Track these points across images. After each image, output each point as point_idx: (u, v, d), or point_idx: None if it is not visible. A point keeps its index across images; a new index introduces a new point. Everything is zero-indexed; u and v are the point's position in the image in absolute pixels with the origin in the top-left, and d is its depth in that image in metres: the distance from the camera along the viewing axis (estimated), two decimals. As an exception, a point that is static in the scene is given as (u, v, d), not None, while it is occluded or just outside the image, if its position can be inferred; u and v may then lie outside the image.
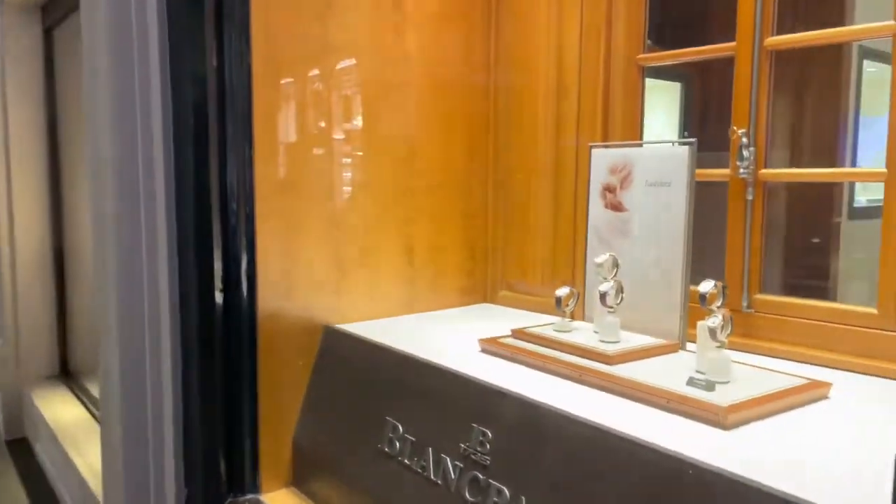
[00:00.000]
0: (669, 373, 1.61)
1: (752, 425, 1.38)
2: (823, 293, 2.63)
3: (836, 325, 1.80)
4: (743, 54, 1.94)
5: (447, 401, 1.73)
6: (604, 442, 1.34)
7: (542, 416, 1.48)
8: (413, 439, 1.74)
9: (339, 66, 2.22)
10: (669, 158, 1.86)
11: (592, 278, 2.05)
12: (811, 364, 1.79)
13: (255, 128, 2.08)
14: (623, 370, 1.64)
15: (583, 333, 1.89)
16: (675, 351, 1.80)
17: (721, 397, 1.43)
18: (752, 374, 1.60)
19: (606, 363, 1.68)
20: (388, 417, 1.84)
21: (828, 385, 1.54)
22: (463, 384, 1.70)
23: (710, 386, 1.48)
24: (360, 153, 2.30)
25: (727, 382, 1.52)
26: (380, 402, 1.91)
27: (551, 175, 2.42)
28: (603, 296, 1.79)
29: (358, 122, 2.29)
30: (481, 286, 2.68)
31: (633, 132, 2.23)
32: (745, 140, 1.92)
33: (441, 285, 2.55)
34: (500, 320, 2.37)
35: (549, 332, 1.91)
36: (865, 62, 2.76)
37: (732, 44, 1.97)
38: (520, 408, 1.54)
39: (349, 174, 2.28)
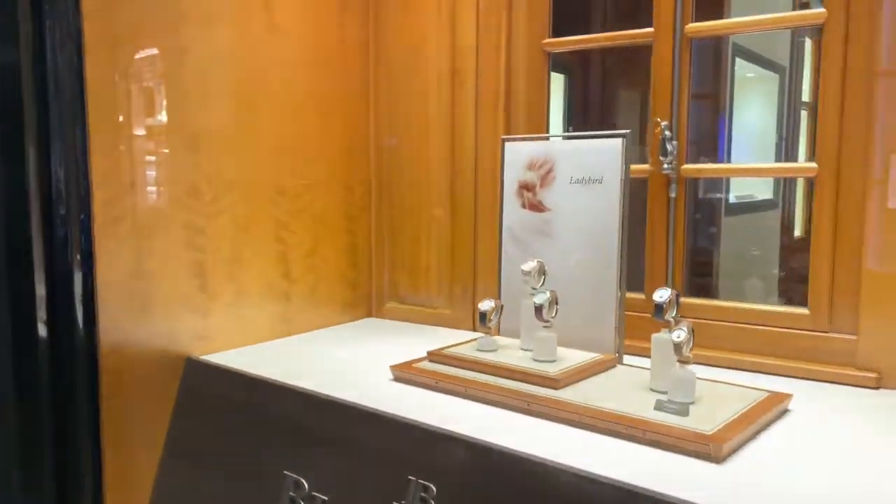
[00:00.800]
0: (624, 395, 1.42)
1: (742, 454, 1.21)
2: (729, 293, 2.62)
3: (767, 328, 1.72)
4: (662, 41, 1.81)
5: (368, 448, 1.40)
6: (591, 491, 1.10)
7: (501, 463, 1.21)
8: (325, 499, 1.40)
9: (194, 39, 1.80)
10: (600, 152, 1.67)
11: (511, 287, 1.82)
12: (744, 370, 1.69)
13: (90, 113, 1.61)
14: (572, 394, 1.42)
15: (511, 352, 1.65)
16: (613, 366, 1.62)
17: (700, 423, 1.25)
18: (709, 389, 1.45)
19: (552, 387, 1.45)
20: (286, 472, 1.48)
21: (788, 396, 1.43)
22: (389, 426, 1.39)
23: (682, 410, 1.30)
24: (225, 144, 1.89)
25: (693, 403, 1.35)
26: (272, 452, 1.54)
27: (446, 170, 2.16)
28: (539, 309, 1.56)
29: (221, 106, 1.88)
30: (366, 298, 2.36)
31: (539, 123, 2.03)
32: (667, 133, 1.78)
33: (321, 300, 2.20)
34: (398, 338, 2.07)
35: (472, 353, 1.65)
36: (738, 60, 2.80)
37: (650, 30, 1.83)
38: (469, 454, 1.26)
39: (212, 170, 1.86)
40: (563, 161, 1.73)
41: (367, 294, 2.36)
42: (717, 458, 1.17)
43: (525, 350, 1.66)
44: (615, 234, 1.64)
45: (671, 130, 1.78)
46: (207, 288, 1.86)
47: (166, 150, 1.77)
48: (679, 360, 1.36)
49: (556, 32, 2.02)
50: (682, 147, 1.80)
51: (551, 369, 1.51)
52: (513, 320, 1.74)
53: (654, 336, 1.45)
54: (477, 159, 2.10)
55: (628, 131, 1.63)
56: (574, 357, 1.59)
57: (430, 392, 1.55)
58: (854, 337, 1.61)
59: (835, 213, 1.63)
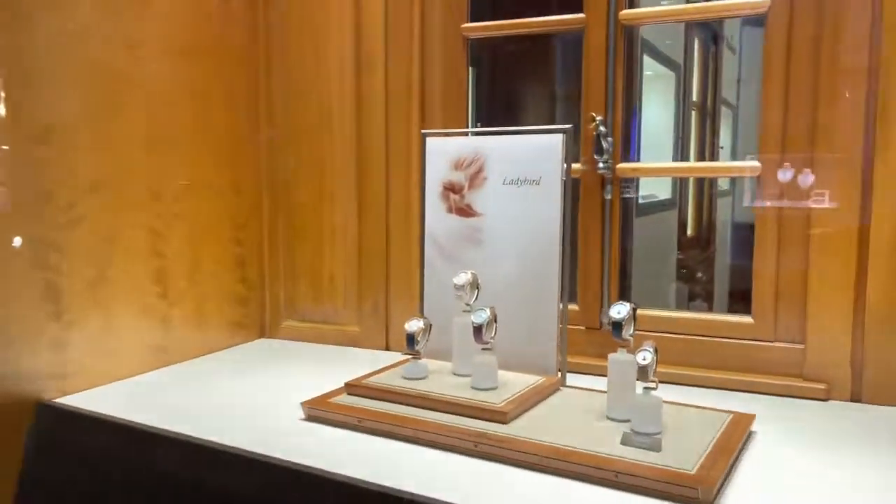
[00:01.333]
0: (581, 426, 1.24)
1: (726, 494, 1.06)
2: (652, 299, 2.52)
3: (710, 339, 1.61)
4: (595, 28, 1.65)
5: (284, 512, 1.14)
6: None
7: (459, 528, 0.99)
8: (230, 580, 1.12)
9: (43, 7, 1.45)
10: (537, 150, 1.49)
11: (436, 303, 1.60)
12: (688, 385, 1.57)
13: None
14: (524, 429, 1.23)
15: (443, 379, 1.44)
16: (557, 389, 1.44)
17: (678, 460, 1.09)
18: (667, 413, 1.29)
19: (500, 421, 1.25)
20: (177, 547, 1.18)
21: (751, 417, 1.30)
22: (305, 482, 1.13)
23: (654, 444, 1.14)
24: (84, 138, 1.54)
25: (660, 433, 1.19)
26: (157, 520, 1.24)
27: (351, 170, 1.91)
28: (478, 329, 1.35)
29: (79, 93, 1.53)
30: (258, 317, 2.05)
31: (458, 117, 1.82)
32: (602, 129, 1.63)
33: (207, 321, 1.88)
34: (302, 363, 1.79)
35: (399, 383, 1.41)
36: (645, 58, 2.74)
37: (581, 16, 1.67)
38: (416, 516, 1.03)
39: (67, 169, 1.51)
40: (495, 159, 1.53)
41: (260, 312, 2.06)
42: (707, 503, 1.01)
43: (459, 375, 1.45)
44: (555, 241, 1.47)
45: (606, 126, 1.63)
46: (63, 315, 1.50)
47: (5, 147, 1.40)
48: (644, 386, 1.20)
49: (475, 17, 1.82)
50: (618, 144, 1.65)
51: (495, 399, 1.30)
52: (439, 341, 1.52)
53: (612, 357, 1.28)
54: (388, 157, 1.86)
55: (570, 126, 1.46)
56: (516, 382, 1.39)
57: (354, 434, 1.31)
58: (801, 346, 1.53)
59: (779, 216, 1.54)
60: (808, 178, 1.48)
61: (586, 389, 1.44)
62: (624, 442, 1.15)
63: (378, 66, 1.85)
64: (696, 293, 2.23)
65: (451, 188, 1.58)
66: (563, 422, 1.26)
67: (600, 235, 1.68)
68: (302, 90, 1.95)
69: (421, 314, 1.64)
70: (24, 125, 1.42)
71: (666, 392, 1.44)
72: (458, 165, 1.57)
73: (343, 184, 1.92)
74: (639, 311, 1.67)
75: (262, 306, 2.05)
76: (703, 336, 1.61)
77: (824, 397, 1.49)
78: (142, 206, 1.67)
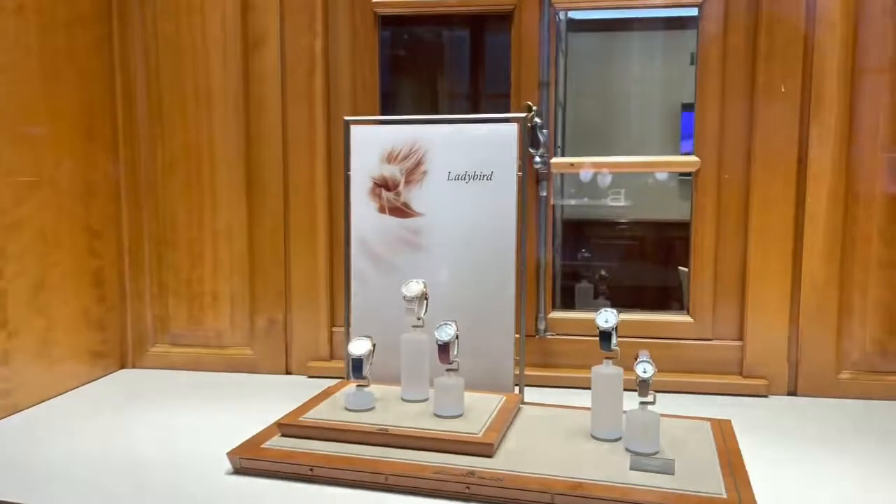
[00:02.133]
0: (572, 450, 1.10)
1: (757, 513, 0.98)
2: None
3: (648, 340, 1.54)
4: (527, 8, 1.52)
5: None
6: None
7: None
8: None
9: None
10: (488, 141, 1.33)
11: (366, 317, 1.38)
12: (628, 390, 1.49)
13: None
14: (512, 461, 1.06)
15: (395, 408, 1.23)
16: (518, 408, 1.29)
17: (699, 482, 0.99)
18: (643, 421, 1.18)
19: (484, 455, 1.07)
20: None
21: (728, 423, 1.25)
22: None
23: (667, 467, 1.03)
24: None
25: (658, 452, 1.09)
26: None
27: (239, 162, 1.61)
28: (444, 348, 1.16)
29: None
30: (118, 343, 1.68)
31: (370, 103, 1.60)
32: (538, 121, 1.51)
33: (57, 353, 1.49)
34: (185, 399, 1.48)
35: (344, 417, 1.18)
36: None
37: (510, -3, 1.53)
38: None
39: None
40: (438, 151, 1.34)
41: (121, 337, 1.68)
42: (752, 530, 0.92)
43: (409, 402, 1.25)
44: (510, 244, 1.32)
45: (542, 117, 1.51)
46: None
47: None
48: (641, 401, 1.09)
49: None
50: (552, 137, 1.54)
51: (469, 427, 1.13)
52: (374, 362, 1.30)
53: (598, 371, 1.15)
54: (286, 148, 1.60)
55: (525, 115, 1.31)
56: (477, 405, 1.22)
57: (307, 486, 1.06)
58: (739, 343, 1.52)
59: (717, 213, 1.51)
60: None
61: (549, 406, 1.31)
62: (634, 467, 1.03)
63: (271, 42, 1.58)
64: (599, 291, 2.20)
65: (383, 184, 1.37)
66: (550, 447, 1.12)
67: (536, 237, 1.55)
68: (171, 67, 1.61)
69: (345, 330, 1.41)
70: None
71: (578, 398, 1.36)
72: (391, 158, 1.36)
73: (228, 180, 1.62)
74: (575, 315, 1.59)
75: (121, 330, 1.68)
76: (640, 337, 1.54)
77: (765, 393, 1.49)
78: (-30, 209, 1.27)
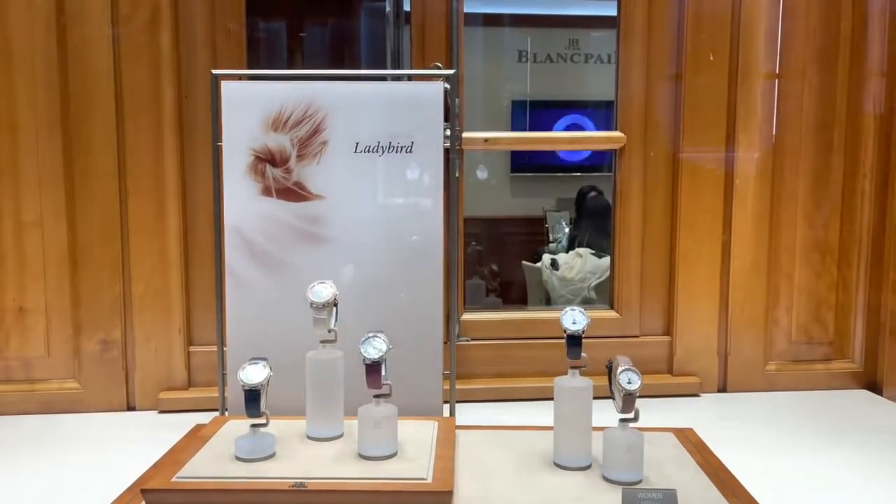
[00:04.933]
0: (543, 489, 0.88)
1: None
2: None
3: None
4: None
5: None
6: None
7: None
8: None
9: None
10: (407, 103, 1.06)
11: (251, 332, 1.06)
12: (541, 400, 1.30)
13: None
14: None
15: (304, 451, 0.92)
16: (454, 434, 1.04)
17: None
18: (627, 443, 0.98)
19: (439, 501, 0.81)
20: None
21: (691, 430, 1.09)
22: None
23: (669, 499, 0.83)
24: None
25: (641, 481, 0.89)
26: None
27: (51, 135, 1.21)
28: (374, 368, 0.88)
29: None
30: None
31: (234, 52, 1.26)
32: (447, 86, 1.26)
33: None
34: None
35: (239, 472, 0.86)
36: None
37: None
38: None
39: None
40: (341, 116, 1.05)
41: None
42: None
43: (320, 440, 0.95)
44: (437, 232, 1.06)
45: (451, 83, 1.27)
46: None
47: None
48: (622, 418, 0.89)
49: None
50: (463, 112, 1.30)
51: (414, 470, 0.86)
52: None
53: (562, 383, 0.94)
54: (121, 112, 1.22)
55: (453, 71, 1.07)
56: (410, 436, 0.95)
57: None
58: (667, 339, 1.38)
59: (644, 197, 1.36)
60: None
61: (489, 428, 1.08)
62: (628, 502, 0.82)
63: (97, -28, 1.19)
64: (491, 288, 2.01)
65: (268, 158, 1.05)
66: (514, 487, 0.89)
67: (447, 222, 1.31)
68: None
69: (220, 352, 1.08)
70: None
71: (520, 412, 1.18)
72: (278, 124, 1.05)
73: (37, 155, 1.21)
74: (491, 316, 1.38)
75: None
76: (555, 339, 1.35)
77: (697, 392, 1.36)
78: None
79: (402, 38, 1.35)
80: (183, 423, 1.17)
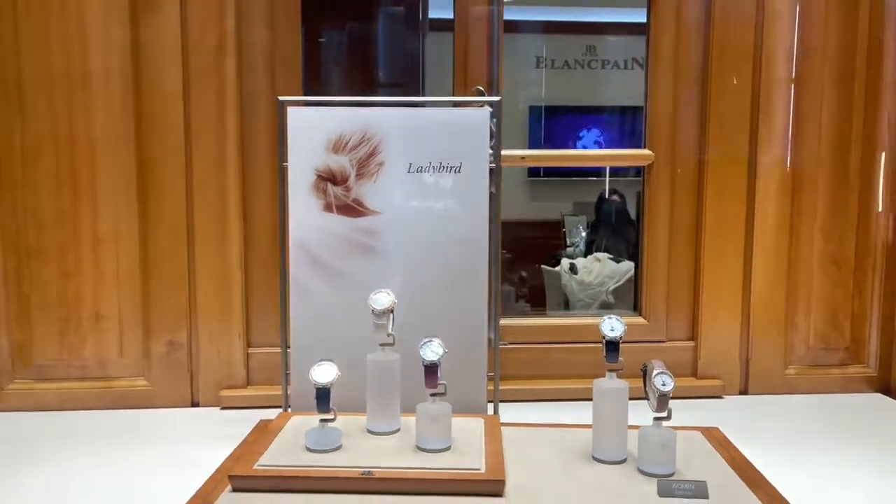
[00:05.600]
0: (582, 478, 0.98)
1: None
2: None
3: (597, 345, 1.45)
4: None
5: None
6: None
7: None
8: None
9: None
10: (456, 128, 1.16)
11: (312, 336, 1.16)
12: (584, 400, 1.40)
13: None
14: (526, 499, 0.91)
15: (365, 443, 1.02)
16: (497, 428, 1.13)
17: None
18: (661, 440, 1.06)
19: (493, 494, 0.91)
20: None
21: (717, 430, 1.18)
22: None
23: (701, 490, 0.92)
24: None
25: (674, 473, 0.98)
26: None
27: (126, 153, 1.32)
28: (431, 369, 0.98)
29: None
30: (-38, 381, 1.32)
31: (291, 80, 1.37)
32: (489, 108, 1.36)
33: None
34: (89, 446, 1.17)
35: (311, 461, 0.96)
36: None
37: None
38: None
39: None
40: (396, 140, 1.15)
41: (-35, 373, 1.32)
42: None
43: (379, 434, 1.05)
44: (483, 245, 1.16)
45: (492, 104, 1.36)
46: None
47: None
48: (656, 417, 0.98)
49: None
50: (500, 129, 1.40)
51: (468, 462, 0.96)
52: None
53: (601, 385, 1.03)
54: (190, 134, 1.33)
55: (498, 98, 1.16)
56: (460, 432, 1.05)
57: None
58: (692, 344, 1.47)
59: (671, 211, 1.45)
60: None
61: (530, 426, 1.17)
62: (663, 493, 0.92)
63: (168, 8, 1.30)
64: (520, 294, 2.10)
65: (329, 178, 1.16)
66: (557, 478, 0.98)
67: (485, 236, 1.41)
68: (33, 33, 1.28)
69: (284, 353, 1.18)
70: None
71: (550, 412, 1.26)
72: (338, 147, 1.15)
73: (113, 176, 1.32)
74: (514, 322, 1.47)
75: (-32, 364, 1.32)
76: (590, 343, 1.45)
77: (720, 394, 1.45)
78: None
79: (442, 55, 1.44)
80: (242, 418, 1.28)
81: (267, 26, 1.35)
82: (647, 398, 0.99)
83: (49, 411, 1.33)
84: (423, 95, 2.20)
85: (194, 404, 1.38)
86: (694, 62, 1.42)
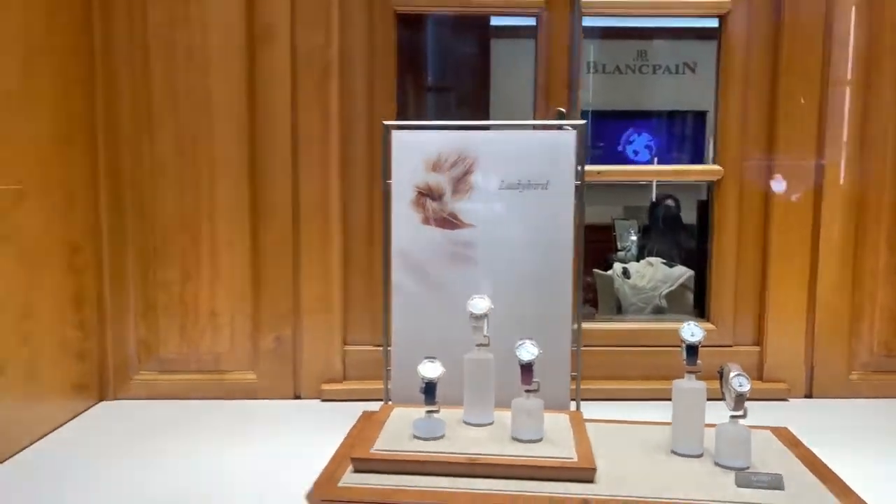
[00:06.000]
0: (662, 469, 1.08)
1: (866, 523, 0.99)
2: None
3: (672, 349, 1.54)
4: (557, 12, 1.48)
5: None
6: None
7: None
8: None
9: None
10: (544, 148, 1.28)
11: (411, 336, 1.29)
12: (656, 399, 1.48)
13: None
14: (615, 485, 1.02)
15: (465, 434, 1.14)
16: (582, 423, 1.24)
17: (809, 496, 0.99)
18: (738, 436, 1.15)
19: (585, 480, 1.02)
20: None
21: (786, 430, 1.27)
22: None
23: (777, 482, 1.02)
24: None
25: (749, 467, 1.08)
26: None
27: (241, 168, 1.46)
28: (527, 368, 1.10)
29: None
30: (96, 372, 1.48)
31: (387, 105, 1.50)
32: (568, 127, 1.47)
33: (40, 388, 1.29)
34: (196, 432, 1.32)
35: (419, 447, 1.09)
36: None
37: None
38: None
39: None
40: (488, 159, 1.27)
41: (100, 364, 1.49)
42: (878, 541, 0.92)
43: (474, 425, 1.17)
44: (567, 256, 1.27)
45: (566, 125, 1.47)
46: None
47: None
48: (733, 415, 1.08)
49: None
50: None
51: (560, 451, 1.07)
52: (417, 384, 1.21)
53: (680, 385, 1.13)
54: (296, 152, 1.47)
55: (583, 122, 1.27)
56: (548, 425, 1.16)
57: (401, 528, 0.96)
58: (757, 348, 1.55)
59: (739, 222, 1.54)
60: (780, 184, 1.50)
61: (610, 422, 1.27)
62: (741, 484, 1.01)
63: (281, 39, 1.44)
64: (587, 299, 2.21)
65: (428, 193, 1.28)
66: (640, 467, 1.08)
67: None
68: (166, 69, 1.44)
69: (386, 351, 1.31)
70: None
71: (627, 411, 1.34)
72: (437, 166, 1.28)
73: (229, 188, 1.47)
74: (599, 325, 1.57)
75: (101, 357, 1.48)
76: (662, 346, 1.54)
77: (785, 396, 1.53)
78: (-45, 222, 1.06)
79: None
80: (341, 409, 1.42)
81: (366, 54, 1.48)
82: (723, 398, 1.09)
83: (169, 399, 1.49)
84: (491, 100, 2.32)
85: (296, 396, 1.52)
86: (764, 86, 1.50)
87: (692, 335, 1.11)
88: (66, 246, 1.36)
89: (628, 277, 3.54)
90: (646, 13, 1.52)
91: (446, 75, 2.29)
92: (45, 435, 1.29)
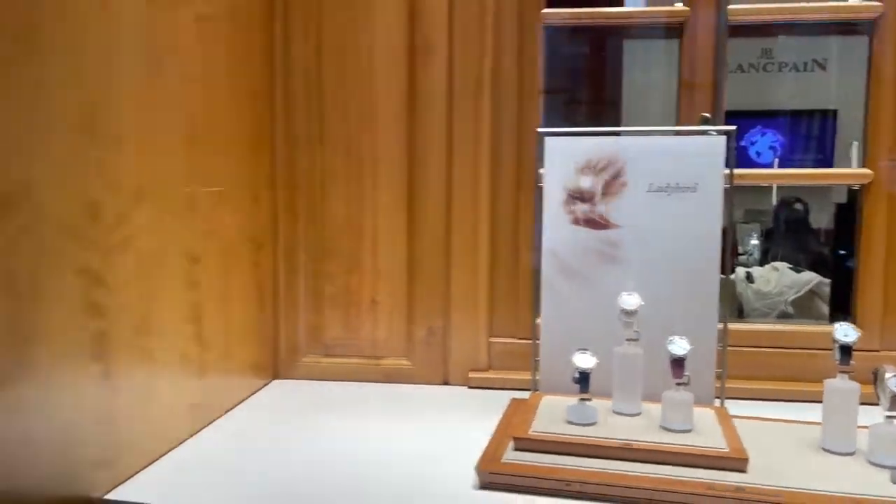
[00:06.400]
0: (812, 464, 1.11)
1: None
2: None
3: (816, 351, 1.55)
4: (702, 20, 1.53)
5: None
6: None
7: None
8: None
9: None
10: (692, 153, 1.33)
11: (558, 329, 1.38)
12: (791, 401, 1.49)
13: None
14: (766, 476, 1.07)
15: (615, 422, 1.22)
16: (728, 419, 1.29)
17: None
18: (893, 435, 1.17)
19: (738, 469, 1.07)
20: None
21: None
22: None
23: (937, 482, 1.03)
24: (128, 126, 1.11)
25: None
26: None
27: (401, 172, 1.60)
28: (678, 362, 1.16)
29: (127, 61, 1.09)
30: (271, 353, 1.67)
31: (532, 115, 1.60)
32: (713, 133, 1.51)
33: (233, 365, 1.48)
34: (363, 409, 1.47)
35: (572, 430, 1.18)
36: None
37: (684, 9, 1.54)
38: None
39: (115, 170, 1.07)
40: (637, 163, 1.35)
41: (274, 347, 1.67)
42: None
43: (623, 415, 1.25)
44: (714, 256, 1.32)
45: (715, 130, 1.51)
46: (110, 376, 1.06)
47: (50, 147, 0.95)
48: (888, 415, 1.10)
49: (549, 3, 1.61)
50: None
51: (710, 442, 1.13)
52: (565, 373, 1.29)
53: (832, 384, 1.16)
54: (451, 158, 1.59)
55: (734, 127, 1.32)
56: (700, 419, 1.22)
57: (560, 501, 1.05)
58: (907, 354, 1.53)
59: (888, 225, 1.53)
60: (935, 187, 1.48)
61: (757, 419, 1.31)
62: (896, 480, 1.04)
63: (439, 57, 1.57)
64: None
65: (578, 196, 1.37)
66: (790, 460, 1.12)
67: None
68: (337, 82, 1.60)
69: (535, 344, 1.41)
70: (63, 103, 0.97)
71: (768, 410, 1.36)
72: (587, 169, 1.36)
73: (390, 189, 1.61)
74: (736, 325, 1.59)
75: (275, 340, 1.67)
76: (801, 349, 1.55)
77: (938, 404, 1.50)
78: (179, 221, 1.25)
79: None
80: (487, 396, 1.53)
81: (515, 65, 1.59)
82: (877, 400, 1.11)
83: (331, 381, 1.65)
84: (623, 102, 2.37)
85: (445, 382, 1.64)
86: (917, 84, 1.48)
87: (846, 336, 1.14)
88: (252, 242, 1.55)
89: (752, 282, 3.47)
90: (793, 18, 1.53)
91: (580, 78, 2.37)
92: (236, 405, 1.48)
